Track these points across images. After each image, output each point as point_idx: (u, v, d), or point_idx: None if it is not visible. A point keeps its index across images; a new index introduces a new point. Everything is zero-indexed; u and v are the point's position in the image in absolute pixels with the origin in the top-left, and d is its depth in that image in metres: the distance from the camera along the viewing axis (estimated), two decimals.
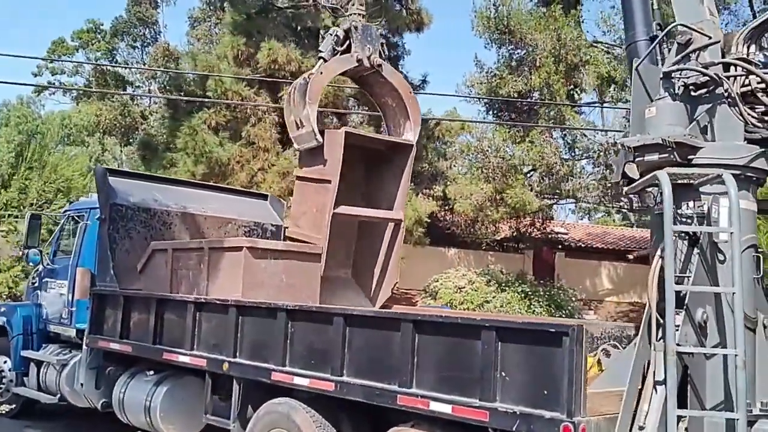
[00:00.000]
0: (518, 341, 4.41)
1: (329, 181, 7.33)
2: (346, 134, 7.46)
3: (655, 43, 4.97)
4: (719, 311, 4.47)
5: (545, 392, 4.22)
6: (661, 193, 4.53)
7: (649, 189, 4.73)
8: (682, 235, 4.53)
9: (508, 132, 20.42)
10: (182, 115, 22.69)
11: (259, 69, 20.78)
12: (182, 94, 22.65)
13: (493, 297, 20.94)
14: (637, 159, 4.72)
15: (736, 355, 4.04)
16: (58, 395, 8.71)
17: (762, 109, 4.59)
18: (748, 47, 4.73)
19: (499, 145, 20.20)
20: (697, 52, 4.69)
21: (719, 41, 4.68)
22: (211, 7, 41.66)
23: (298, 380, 5.68)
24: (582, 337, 4.09)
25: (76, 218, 9.29)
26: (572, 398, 4.05)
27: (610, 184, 21.76)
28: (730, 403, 4.31)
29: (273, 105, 20.59)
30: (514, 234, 24.46)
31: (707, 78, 4.62)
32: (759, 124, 4.58)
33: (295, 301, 6.83)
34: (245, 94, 20.64)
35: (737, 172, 4.51)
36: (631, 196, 5.39)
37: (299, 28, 22.14)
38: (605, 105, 21.56)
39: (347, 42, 7.84)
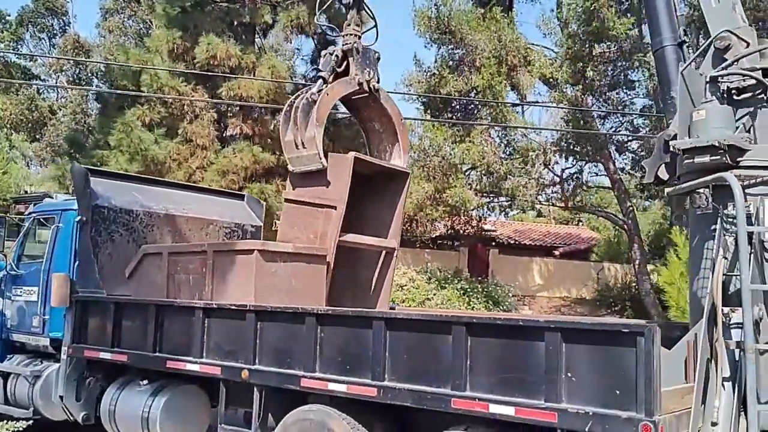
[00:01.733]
0: (587, 342, 4.45)
1: (333, 207, 7.20)
2: (355, 159, 7.35)
3: (702, 48, 5.13)
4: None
5: (617, 392, 4.29)
6: (712, 195, 4.73)
7: (701, 190, 4.88)
8: (731, 234, 4.72)
9: (449, 131, 20.67)
10: (113, 111, 21.76)
11: (196, 64, 20.19)
12: (113, 88, 21.68)
13: (434, 294, 21.22)
14: (686, 161, 4.87)
15: None
16: (32, 409, 8.18)
17: None
18: None
19: (440, 145, 20.40)
20: (740, 57, 4.89)
21: (766, 48, 4.90)
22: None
23: (333, 386, 5.54)
24: (656, 337, 4.19)
25: (44, 221, 8.73)
26: (650, 397, 4.13)
27: (547, 183, 22.49)
28: None
29: (213, 101, 20.08)
30: (449, 232, 24.82)
31: (750, 82, 4.84)
32: None
33: (303, 303, 6.70)
34: (182, 90, 20.00)
35: None
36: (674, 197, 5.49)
37: (236, 23, 21.67)
38: (546, 104, 22.13)
39: (345, 62, 7.78)
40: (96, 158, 21.49)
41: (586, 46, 19.15)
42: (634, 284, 22.90)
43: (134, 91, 20.26)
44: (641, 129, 21.33)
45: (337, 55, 7.73)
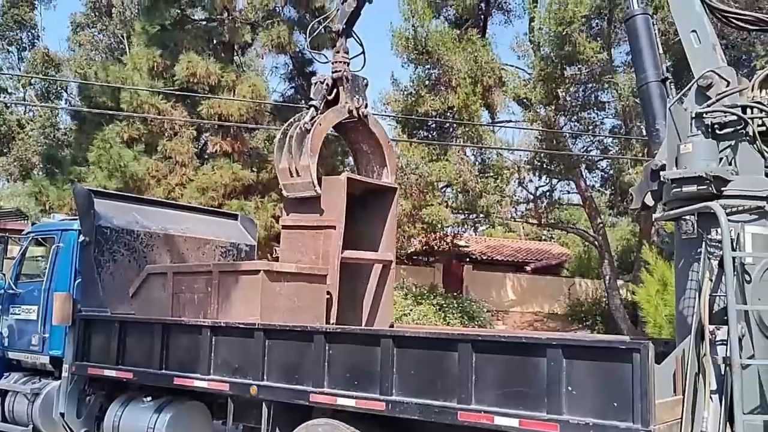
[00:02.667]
0: (586, 358, 4.82)
1: (333, 227, 7.50)
2: (348, 180, 7.67)
3: (689, 86, 5.55)
4: (749, 326, 5.11)
5: (615, 404, 4.65)
6: (697, 222, 5.17)
7: (687, 217, 5.30)
8: (715, 258, 5.15)
9: (426, 150, 21.10)
10: (90, 127, 21.79)
11: (175, 82, 20.38)
12: (90, 104, 21.71)
13: (411, 310, 21.57)
14: (674, 190, 5.30)
15: None
16: (31, 426, 8.29)
17: None
18: (760, 91, 5.46)
19: (417, 163, 20.81)
20: (722, 95, 5.34)
21: (746, 88, 5.36)
22: (96, 13, 40.11)
23: (342, 401, 5.82)
24: (651, 353, 4.57)
25: (43, 241, 8.88)
26: (646, 409, 4.51)
27: (521, 201, 23.05)
28: (765, 406, 4.97)
29: (194, 120, 20.25)
30: (425, 248, 25.23)
31: (732, 118, 5.29)
32: None
33: (306, 322, 7.00)
34: (162, 108, 20.15)
35: (762, 203, 5.20)
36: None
37: (215, 41, 21.91)
38: (521, 126, 22.72)
39: (335, 90, 8.10)
40: (73, 174, 21.51)
41: (558, 68, 19.76)
42: (604, 299, 23.50)
43: (113, 108, 20.37)
44: (610, 148, 22.01)
45: (327, 84, 8.05)
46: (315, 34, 10.07)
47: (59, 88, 42.30)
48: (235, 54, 22.87)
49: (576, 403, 4.80)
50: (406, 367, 5.58)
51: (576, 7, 17.77)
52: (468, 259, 26.81)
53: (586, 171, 22.55)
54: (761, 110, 5.30)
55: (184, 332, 7.01)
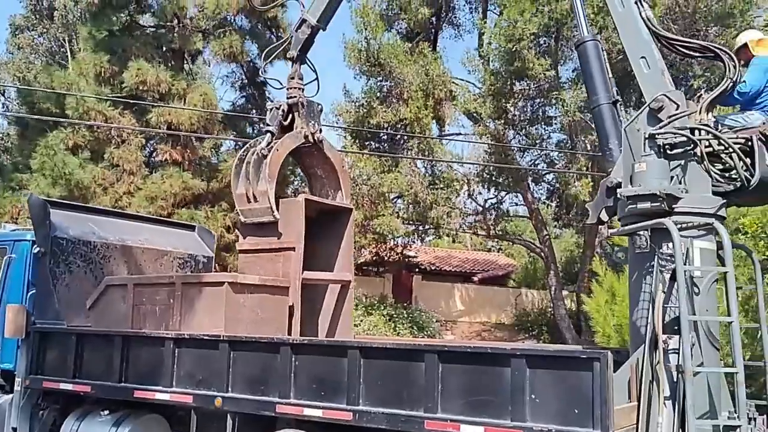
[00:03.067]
0: (549, 367, 5.03)
1: (292, 249, 7.59)
2: (306, 201, 7.78)
3: (642, 108, 5.85)
4: (698, 336, 5.40)
5: (576, 411, 4.87)
6: (650, 237, 5.47)
7: (641, 232, 5.58)
8: (667, 271, 5.44)
9: (377, 161, 21.29)
10: (33, 134, 21.27)
11: (123, 89, 20.08)
12: (34, 111, 21.17)
13: (361, 321, 21.64)
14: (629, 206, 5.57)
15: (737, 373, 4.96)
16: None
17: (721, 167, 5.65)
18: (707, 113, 5.79)
19: (369, 174, 20.98)
20: (673, 117, 5.65)
21: (695, 111, 5.68)
22: (36, 16, 39.11)
23: (309, 411, 5.89)
24: (610, 362, 4.80)
25: None
26: (604, 415, 4.73)
27: (470, 212, 23.42)
28: (714, 411, 5.26)
29: (144, 129, 19.97)
30: (374, 258, 25.36)
31: (681, 139, 5.60)
32: (721, 180, 5.63)
33: (268, 333, 7.06)
34: (109, 115, 19.82)
35: (710, 220, 5.52)
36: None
37: (165, 48, 21.67)
38: (470, 140, 23.11)
39: (290, 116, 8.22)
40: (15, 181, 20.98)
41: (508, 83, 20.25)
42: (550, 309, 24.04)
43: (57, 114, 19.94)
44: (557, 162, 22.58)
45: (283, 110, 8.17)
46: (271, 58, 10.12)
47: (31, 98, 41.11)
48: (186, 62, 22.65)
49: (539, 410, 5.00)
50: (372, 377, 5.69)
51: (525, 25, 18.24)
52: (417, 270, 27.06)
53: (533, 184, 23.08)
54: (708, 132, 5.63)
55: (146, 344, 6.97)
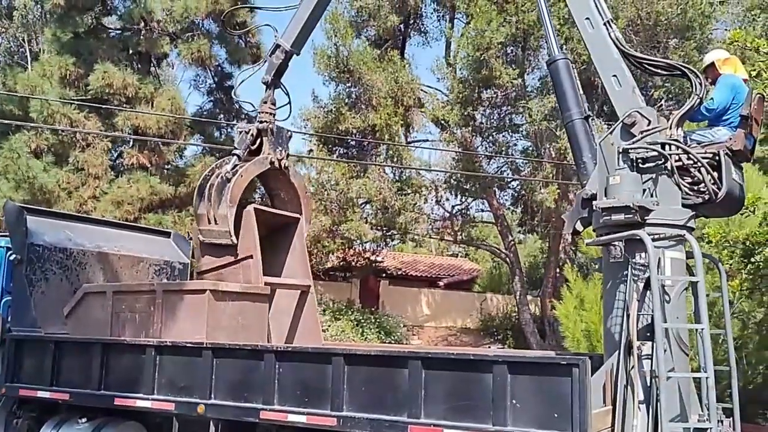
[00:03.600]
0: (529, 373, 5.22)
1: (250, 257, 7.72)
2: (255, 210, 7.91)
3: (616, 125, 6.10)
4: (669, 342, 5.65)
5: (555, 415, 5.07)
6: (624, 247, 5.71)
7: (616, 242, 5.82)
8: (641, 280, 5.68)
9: (346, 167, 21.41)
10: None
11: (89, 91, 19.85)
12: None
13: (329, 326, 21.70)
14: (604, 217, 5.80)
15: (707, 377, 5.20)
16: None
17: (690, 180, 5.92)
18: (677, 128, 6.06)
19: (338, 180, 21.08)
20: (645, 132, 5.90)
21: (666, 127, 5.94)
22: None
23: (293, 417, 5.99)
24: (588, 368, 5.01)
25: None
26: (583, 419, 4.93)
27: (437, 218, 23.67)
28: (685, 414, 5.52)
29: (111, 134, 19.75)
30: (342, 263, 25.46)
31: (653, 154, 5.86)
32: (690, 193, 5.89)
33: (249, 340, 7.14)
34: (75, 118, 19.57)
35: (681, 231, 5.78)
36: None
37: (131, 51, 21.48)
38: (439, 148, 23.34)
39: (259, 140, 8.30)
40: None
41: (475, 91, 20.55)
42: (515, 314, 24.41)
43: (20, 117, 19.63)
44: (522, 169, 22.97)
45: (252, 134, 8.25)
46: (243, 82, 10.15)
47: None
48: (152, 65, 22.49)
49: (520, 415, 5.19)
50: (357, 383, 5.82)
51: (492, 34, 18.57)
52: (384, 275, 27.21)
53: (498, 190, 23.43)
54: (678, 147, 5.89)
55: (126, 352, 6.99)
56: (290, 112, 8.78)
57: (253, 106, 8.61)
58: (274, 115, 8.45)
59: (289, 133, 8.62)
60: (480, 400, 5.33)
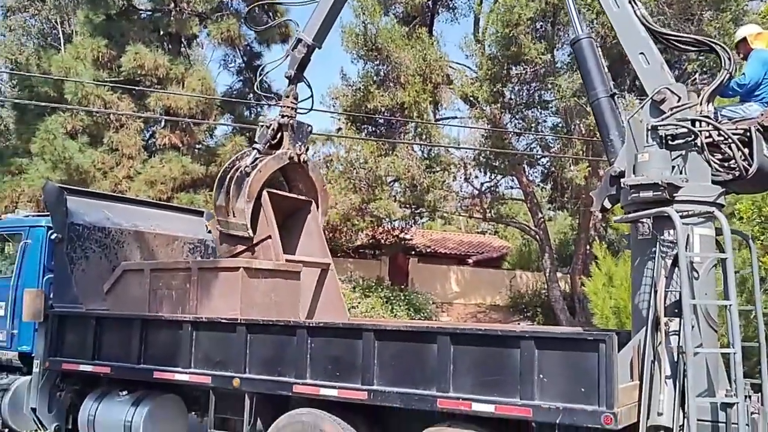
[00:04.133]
0: (556, 348, 5.30)
1: (268, 237, 7.88)
2: (269, 194, 8.03)
3: (645, 101, 6.10)
4: (697, 318, 5.69)
5: (582, 389, 5.15)
6: (652, 224, 5.74)
7: (644, 219, 5.84)
8: (669, 256, 5.71)
9: (374, 145, 21.47)
10: (32, 119, 21.34)
11: (121, 73, 20.15)
12: (32, 95, 21.21)
13: (359, 303, 21.92)
14: (632, 195, 5.82)
15: (734, 353, 5.24)
16: (0, 421, 8.32)
17: (720, 156, 5.90)
18: (708, 104, 6.04)
19: (367, 158, 21.16)
20: (675, 109, 5.90)
21: (697, 104, 5.92)
22: None
23: (324, 391, 6.16)
24: (614, 344, 5.08)
25: (10, 237, 8.88)
26: (610, 393, 5.02)
27: (466, 196, 23.68)
28: (712, 389, 5.57)
29: (142, 115, 20.05)
30: (371, 241, 25.61)
31: (682, 130, 5.85)
32: (720, 169, 5.88)
33: (281, 316, 7.32)
34: (108, 99, 19.90)
35: (710, 208, 5.78)
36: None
37: (162, 32, 21.71)
38: (468, 125, 23.30)
39: (279, 134, 8.40)
40: (14, 166, 21.06)
41: (504, 67, 20.41)
42: (544, 291, 24.39)
43: (55, 99, 20.00)
44: (552, 146, 22.81)
45: (273, 129, 8.34)
46: (266, 74, 10.24)
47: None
48: (183, 46, 22.71)
49: (547, 389, 5.29)
50: (386, 358, 5.96)
51: (522, 10, 18.40)
52: (413, 253, 27.31)
53: (528, 167, 23.32)
54: (708, 123, 5.87)
55: (164, 327, 7.22)
56: (312, 105, 8.92)
57: (276, 100, 8.68)
58: (296, 110, 8.54)
59: (310, 127, 8.73)
60: (508, 375, 5.44)
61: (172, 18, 21.15)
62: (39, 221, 8.75)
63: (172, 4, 21.11)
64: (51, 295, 8.19)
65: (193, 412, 7.93)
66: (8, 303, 8.57)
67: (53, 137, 19.30)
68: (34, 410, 8.11)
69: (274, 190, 8.48)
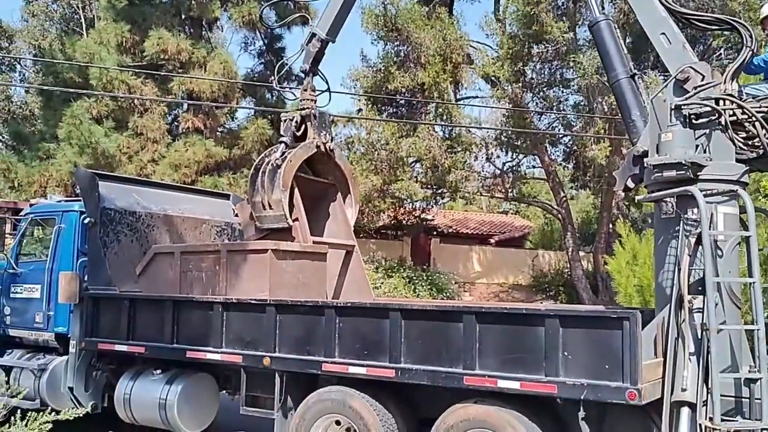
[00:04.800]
0: (581, 326, 5.40)
1: (296, 220, 8.04)
2: (295, 179, 8.15)
3: (668, 81, 6.13)
4: (720, 296, 5.75)
5: (607, 366, 5.25)
6: (676, 203, 5.80)
7: (668, 199, 5.90)
8: (693, 235, 5.76)
9: (395, 126, 21.54)
10: (58, 104, 21.61)
11: (144, 57, 20.36)
12: (58, 80, 21.48)
13: (382, 283, 22.12)
14: (655, 174, 5.87)
15: (758, 329, 5.31)
16: (38, 400, 8.60)
17: (744, 135, 5.93)
18: (732, 82, 6.05)
19: (388, 139, 21.24)
20: (699, 88, 5.92)
21: (720, 82, 5.94)
22: None
23: (353, 369, 6.32)
24: (638, 321, 5.17)
25: (43, 222, 9.12)
26: (634, 369, 5.12)
27: (488, 176, 23.67)
28: (735, 365, 5.64)
29: (166, 99, 20.26)
30: (392, 222, 25.76)
31: (706, 109, 5.88)
32: (744, 148, 5.91)
33: (309, 296, 7.49)
34: (132, 84, 20.14)
35: (734, 187, 5.82)
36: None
37: (184, 16, 21.86)
38: (489, 105, 23.25)
39: (303, 126, 8.55)
40: (41, 151, 21.38)
41: (525, 46, 20.33)
42: (566, 270, 24.42)
43: (80, 85, 20.25)
44: (574, 124, 22.73)
45: (296, 121, 8.50)
46: (284, 71, 10.43)
47: (12, 61, 41.18)
48: (204, 30, 22.84)
49: (571, 366, 5.39)
50: (413, 337, 6.09)
51: None
52: (435, 233, 27.43)
53: (549, 146, 23.26)
54: (732, 102, 5.89)
55: (196, 308, 7.40)
56: (330, 98, 9.10)
57: (295, 96, 8.86)
58: (315, 101, 8.70)
59: (331, 117, 8.88)
60: (533, 353, 5.54)
61: (193, 2, 21.29)
62: (72, 206, 8.97)
63: None
64: (85, 278, 8.42)
65: (225, 390, 8.16)
66: (44, 285, 8.82)
67: (79, 122, 19.54)
68: (71, 389, 8.37)
69: (301, 174, 8.63)
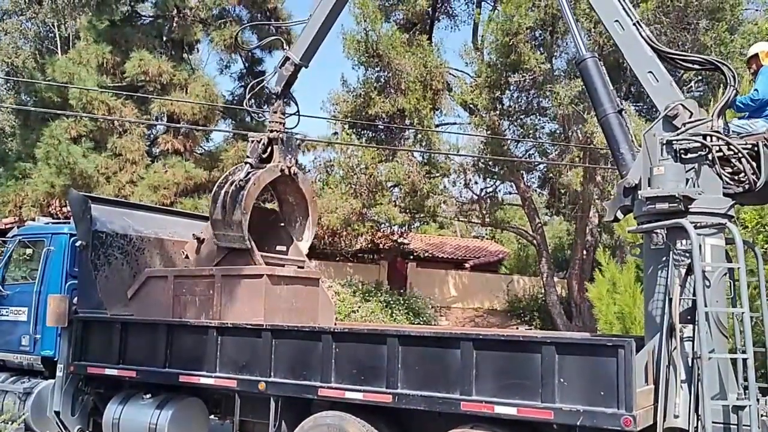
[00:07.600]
0: (576, 353, 5.56)
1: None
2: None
3: (659, 117, 6.37)
4: (709, 325, 5.95)
5: (602, 393, 5.41)
6: (665, 235, 6.01)
7: (658, 230, 6.11)
8: (682, 266, 5.97)
9: (375, 150, 21.71)
10: (35, 124, 21.45)
11: (125, 78, 20.33)
12: (36, 100, 21.35)
13: (359, 307, 22.15)
14: (648, 206, 6.09)
15: (746, 358, 5.51)
16: (23, 424, 8.48)
17: (730, 170, 6.18)
18: (718, 119, 6.31)
19: (367, 163, 21.39)
20: (688, 124, 6.17)
21: (710, 120, 6.20)
22: (25, 0, 38.88)
23: (350, 394, 6.40)
24: (633, 349, 5.34)
25: (32, 244, 9.07)
26: (629, 396, 5.28)
27: (465, 201, 23.94)
28: (723, 393, 5.83)
29: (146, 122, 20.21)
30: (370, 245, 25.85)
31: (695, 145, 6.12)
32: (731, 182, 6.16)
33: (302, 321, 7.56)
34: (112, 105, 20.07)
35: (722, 219, 6.06)
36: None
37: (165, 39, 21.90)
38: (468, 133, 23.54)
39: (269, 148, 8.70)
40: (18, 170, 21.17)
41: (503, 75, 20.70)
42: (541, 296, 24.68)
43: (59, 105, 20.14)
44: (549, 152, 23.11)
45: (263, 143, 8.66)
46: (254, 91, 10.59)
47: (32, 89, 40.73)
48: (185, 52, 22.89)
49: (568, 392, 5.55)
50: (411, 362, 6.21)
51: (521, 19, 18.70)
52: (411, 257, 27.57)
53: (525, 173, 23.60)
54: (719, 138, 6.15)
55: (190, 332, 7.43)
56: (299, 120, 9.27)
57: (265, 116, 8.96)
58: (284, 124, 8.84)
59: (299, 141, 9.01)
60: (529, 379, 5.69)
61: (175, 24, 21.37)
62: (61, 228, 8.95)
63: (176, 11, 21.32)
64: (74, 301, 8.38)
65: (214, 415, 8.15)
66: (31, 308, 8.77)
67: (58, 142, 19.43)
68: (57, 413, 8.29)
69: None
